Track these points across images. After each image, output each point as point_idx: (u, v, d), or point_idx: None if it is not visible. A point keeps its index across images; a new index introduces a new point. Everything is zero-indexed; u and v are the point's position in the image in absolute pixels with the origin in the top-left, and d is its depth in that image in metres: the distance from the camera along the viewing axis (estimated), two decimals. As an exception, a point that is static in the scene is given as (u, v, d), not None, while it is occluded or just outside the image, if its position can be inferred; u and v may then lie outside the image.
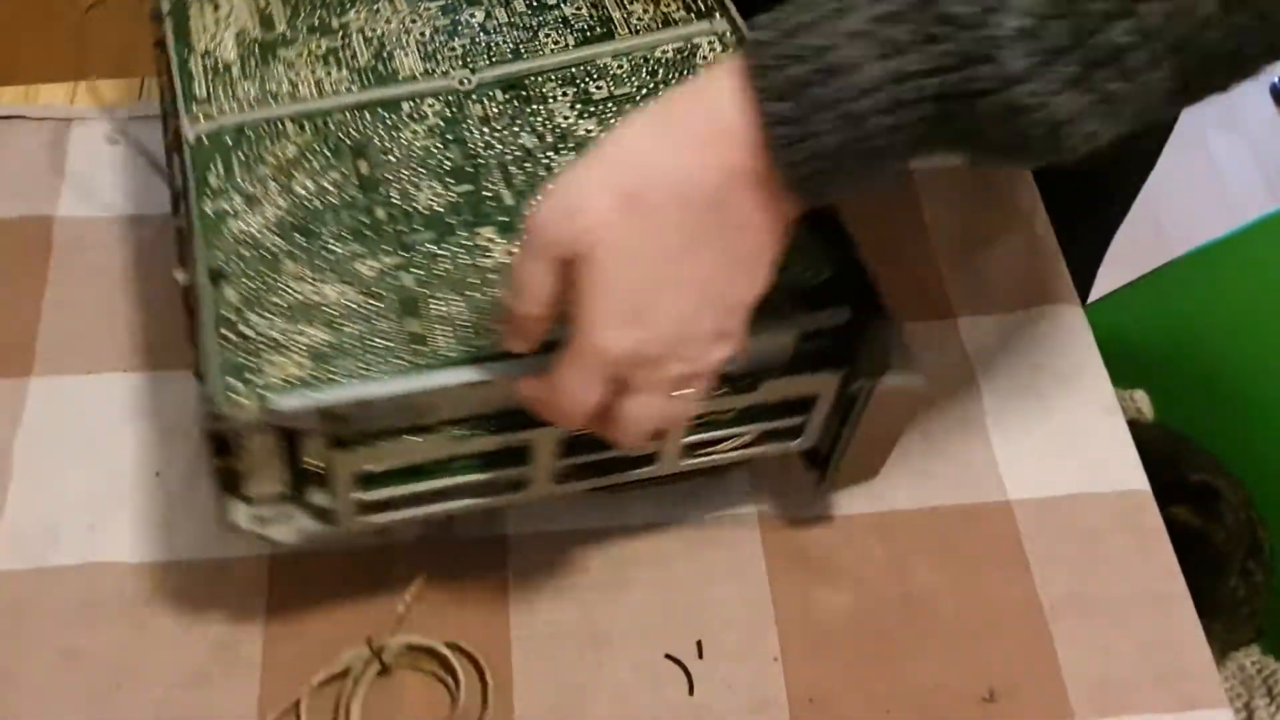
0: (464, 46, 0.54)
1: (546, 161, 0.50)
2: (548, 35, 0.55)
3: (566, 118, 0.52)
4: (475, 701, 0.52)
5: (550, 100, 0.52)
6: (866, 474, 0.54)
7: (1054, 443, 0.60)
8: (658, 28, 0.55)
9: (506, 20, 0.55)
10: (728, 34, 0.54)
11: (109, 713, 0.52)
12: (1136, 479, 0.59)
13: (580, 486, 0.49)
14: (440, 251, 0.48)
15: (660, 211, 0.37)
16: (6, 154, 0.68)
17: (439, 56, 0.54)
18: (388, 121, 0.51)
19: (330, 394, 0.43)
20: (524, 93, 0.53)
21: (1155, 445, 0.69)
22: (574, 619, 0.54)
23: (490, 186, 0.50)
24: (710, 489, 0.58)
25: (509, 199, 0.49)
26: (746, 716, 0.52)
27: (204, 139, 0.51)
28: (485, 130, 0.51)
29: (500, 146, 0.51)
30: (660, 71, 0.53)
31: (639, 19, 0.55)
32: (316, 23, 0.54)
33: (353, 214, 0.48)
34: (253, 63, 0.53)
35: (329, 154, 0.50)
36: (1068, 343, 0.63)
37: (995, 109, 0.34)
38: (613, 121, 0.51)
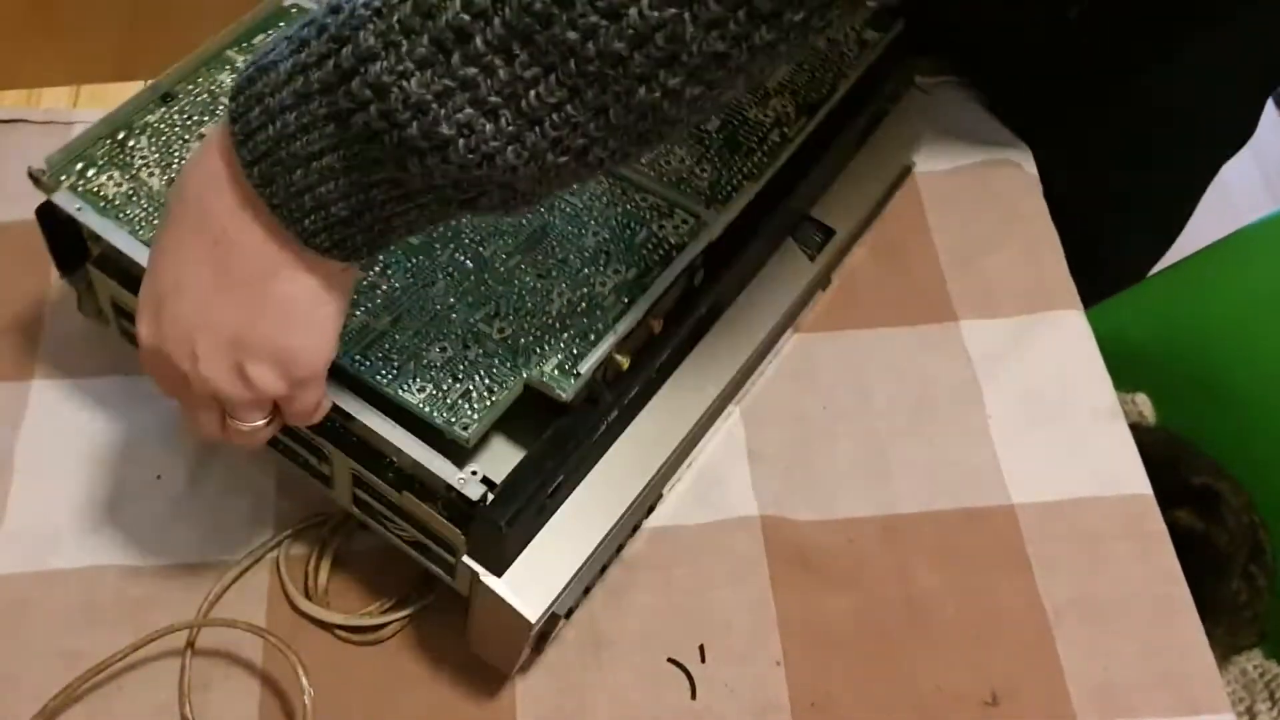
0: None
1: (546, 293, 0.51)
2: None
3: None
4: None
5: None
6: (497, 661, 0.52)
7: (1056, 446, 0.60)
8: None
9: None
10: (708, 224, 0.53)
11: (108, 715, 0.51)
12: (1138, 482, 0.59)
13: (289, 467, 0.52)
14: (440, 251, 0.50)
15: (171, 215, 0.40)
16: (10, 157, 0.68)
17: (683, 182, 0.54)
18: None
19: (97, 223, 0.49)
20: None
21: (1157, 448, 0.69)
22: (576, 623, 0.54)
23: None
24: (712, 493, 0.58)
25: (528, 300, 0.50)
26: (748, 720, 0.52)
27: (293, 10, 0.55)
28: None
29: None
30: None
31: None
32: None
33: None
34: None
35: None
36: (1070, 346, 0.63)
37: (363, 92, 0.34)
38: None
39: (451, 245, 0.50)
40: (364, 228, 0.38)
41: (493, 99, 0.33)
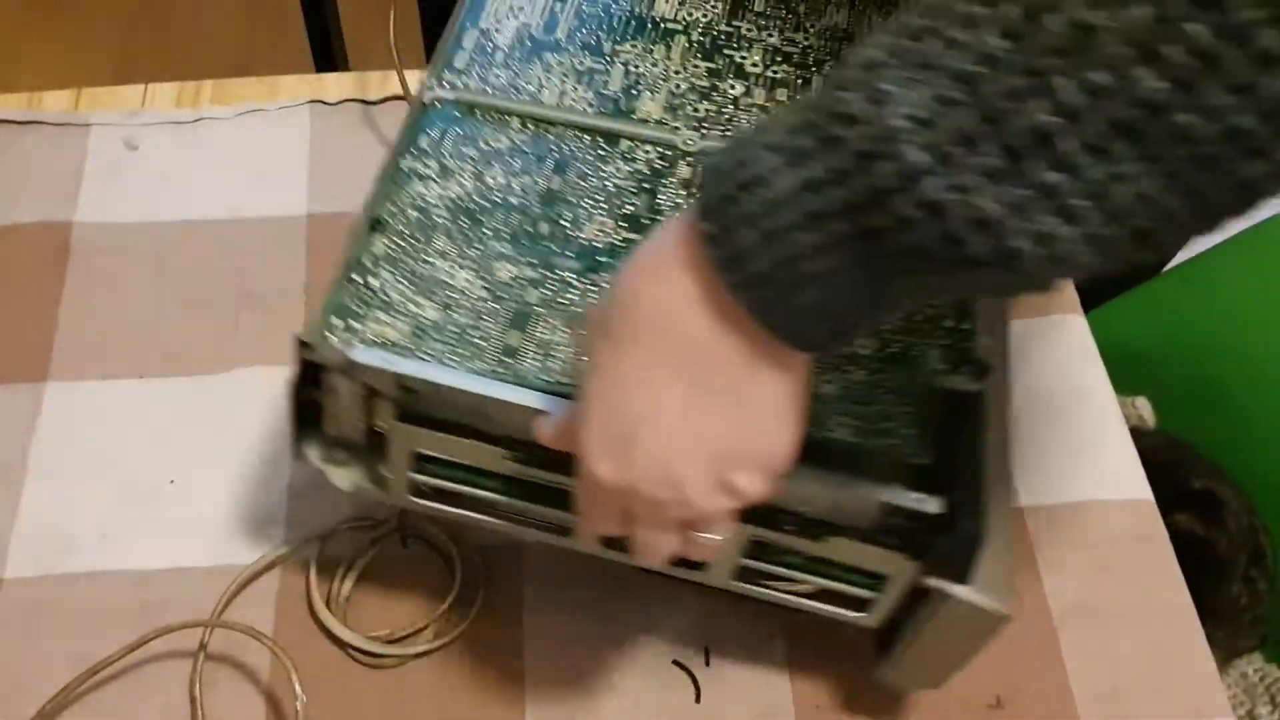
0: (708, 111, 0.54)
1: None
2: None
3: None
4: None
5: None
6: (928, 682, 0.50)
7: (1057, 450, 0.60)
8: None
9: (762, 103, 0.55)
10: None
11: (112, 716, 0.52)
12: (1139, 486, 0.60)
13: (615, 556, 0.47)
14: (577, 284, 0.48)
15: (624, 341, 0.37)
16: (24, 159, 0.69)
17: (680, 111, 0.54)
18: (601, 152, 0.52)
19: (404, 366, 0.44)
20: None
21: (1158, 452, 0.69)
22: (583, 624, 0.54)
23: None
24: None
25: None
26: (754, 723, 0.53)
27: (437, 104, 0.52)
28: (681, 195, 0.51)
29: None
30: None
31: None
32: (594, 41, 0.56)
33: (521, 219, 0.49)
34: (518, 54, 0.55)
35: (534, 159, 0.51)
36: (1071, 350, 0.64)
37: (909, 210, 0.30)
38: None
39: None
40: (861, 325, 0.35)
41: (1076, 201, 0.29)
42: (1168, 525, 0.58)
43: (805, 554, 0.46)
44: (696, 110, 0.54)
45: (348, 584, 0.55)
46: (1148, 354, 0.93)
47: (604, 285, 0.48)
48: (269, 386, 0.61)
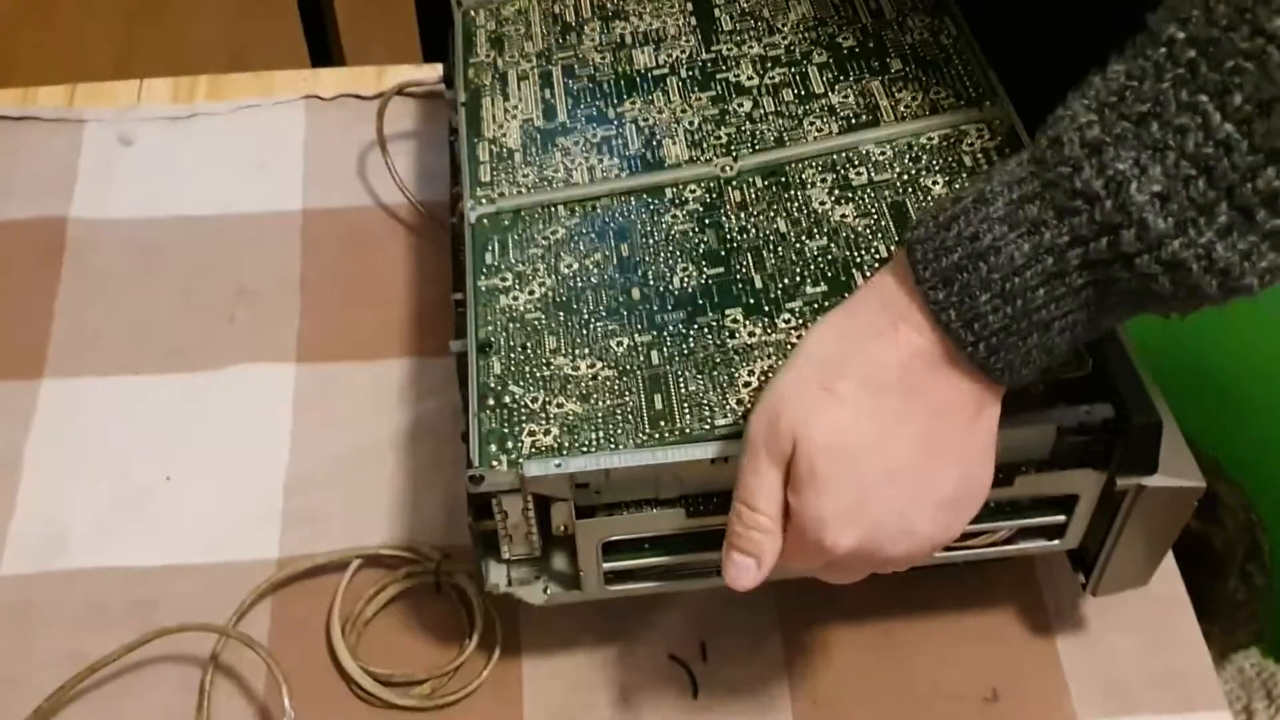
0: (729, 135, 0.55)
1: (799, 246, 0.50)
2: (812, 123, 0.55)
3: (823, 203, 0.52)
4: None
5: (808, 186, 0.53)
6: (1136, 580, 0.51)
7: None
8: (925, 115, 0.55)
9: (773, 109, 0.56)
10: (998, 122, 0.53)
11: (115, 717, 0.52)
12: (1137, 482, 0.60)
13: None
14: (689, 331, 0.49)
15: (855, 401, 0.39)
16: (20, 155, 0.69)
17: (704, 144, 0.55)
18: (651, 206, 0.53)
19: (576, 463, 0.44)
20: (783, 179, 0.53)
21: (1155, 448, 0.69)
22: (580, 621, 0.54)
23: (741, 269, 0.50)
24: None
25: (758, 282, 0.50)
26: (750, 718, 0.52)
27: (484, 220, 0.53)
28: (741, 215, 0.52)
29: (754, 230, 0.51)
30: (923, 158, 0.53)
31: (906, 107, 0.55)
32: (595, 113, 0.57)
33: (610, 293, 0.50)
34: (533, 149, 0.56)
35: (594, 236, 0.52)
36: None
37: (1153, 268, 0.36)
38: (871, 208, 0.51)
39: None
40: (1066, 355, 0.41)
41: None
42: (1164, 520, 0.58)
43: (994, 502, 0.46)
44: (719, 138, 0.55)
45: (371, 608, 0.55)
46: (1145, 350, 0.93)
47: (713, 323, 0.49)
48: (264, 382, 0.61)
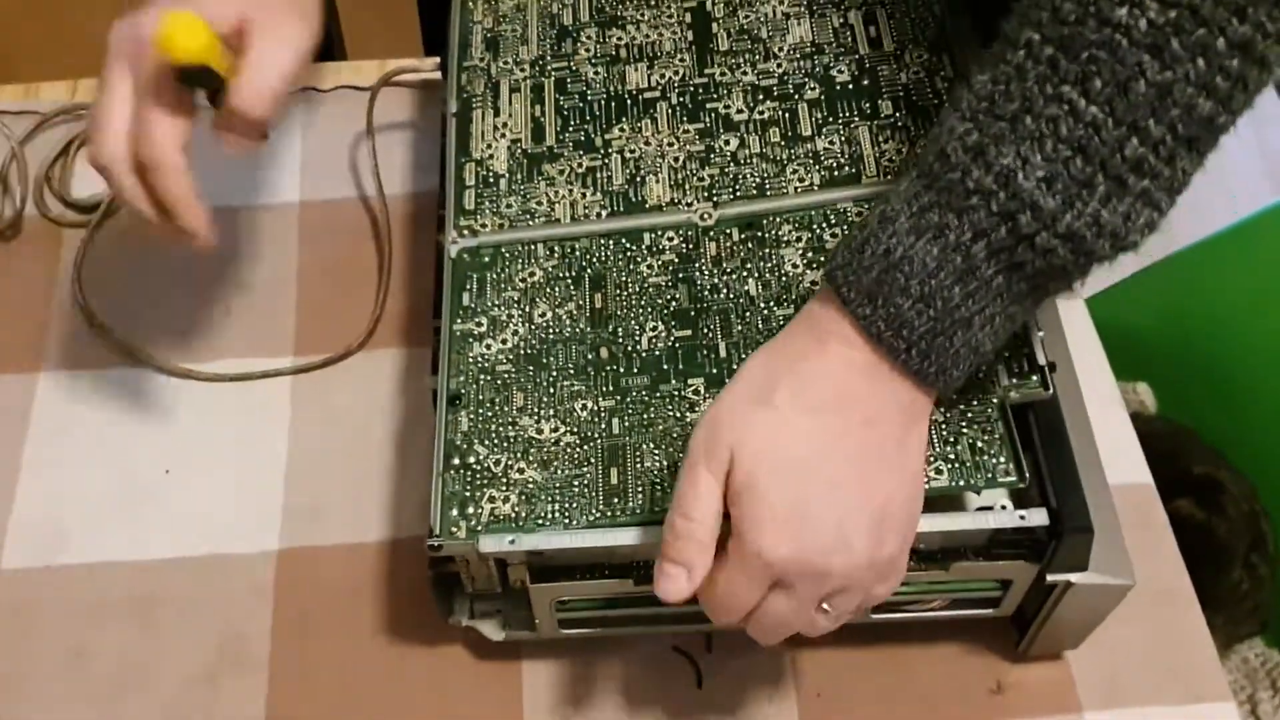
0: (712, 176, 0.55)
1: (766, 313, 0.50)
2: (794, 171, 0.55)
3: (795, 266, 0.52)
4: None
5: (783, 245, 0.52)
6: (1070, 645, 0.53)
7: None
8: (907, 172, 0.54)
9: (758, 151, 0.55)
10: None
11: (117, 712, 0.52)
12: (1140, 472, 0.59)
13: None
14: (651, 400, 0.49)
15: (791, 413, 0.41)
16: (19, 149, 0.68)
17: (687, 185, 0.54)
18: (628, 252, 0.53)
19: (530, 540, 0.46)
20: (759, 234, 0.53)
21: (1158, 438, 0.69)
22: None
23: (708, 333, 0.50)
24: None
25: (723, 350, 0.50)
26: (755, 710, 0.52)
27: (465, 255, 0.53)
28: (715, 271, 0.52)
29: (725, 291, 0.51)
30: None
31: (889, 160, 0.54)
32: (583, 137, 0.56)
33: (580, 349, 0.50)
34: (520, 176, 0.56)
35: (570, 282, 0.52)
36: (1070, 336, 0.63)
37: (1052, 242, 0.39)
38: None
39: None
40: (987, 358, 0.43)
41: (1160, 195, 0.40)
42: (1168, 511, 0.58)
43: (927, 587, 0.49)
44: (701, 179, 0.55)
45: (368, 598, 0.55)
46: (1148, 339, 0.92)
47: (675, 393, 0.49)
48: (262, 374, 0.61)
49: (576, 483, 0.47)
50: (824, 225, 0.53)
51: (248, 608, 0.54)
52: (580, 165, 0.56)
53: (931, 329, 0.41)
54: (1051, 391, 0.47)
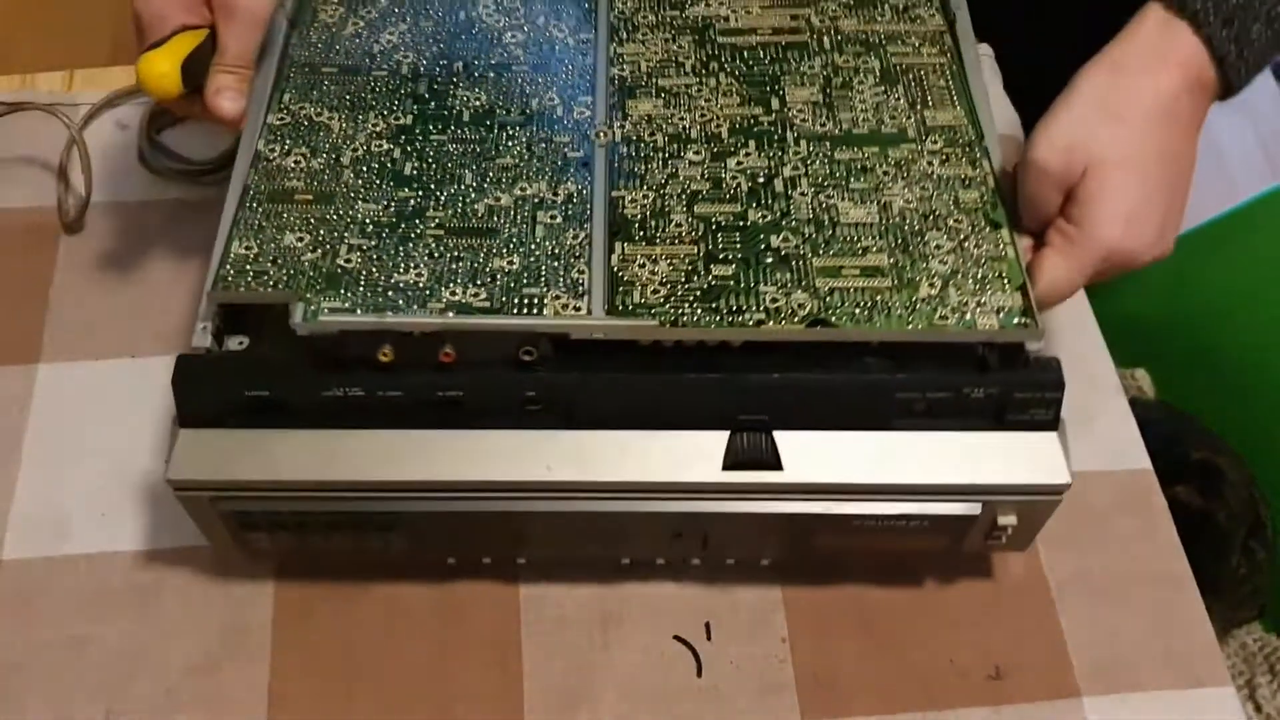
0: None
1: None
2: None
3: None
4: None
5: None
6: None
7: (1057, 422, 0.60)
8: None
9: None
10: None
11: (119, 701, 0.52)
12: (1139, 458, 0.59)
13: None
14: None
15: (1140, 126, 0.49)
16: (14, 141, 0.68)
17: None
18: None
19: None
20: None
21: (1157, 424, 0.69)
22: (583, 600, 0.54)
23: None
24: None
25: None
26: (754, 697, 0.53)
27: None
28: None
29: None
30: None
31: None
32: None
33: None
34: None
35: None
36: (1068, 322, 0.64)
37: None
38: None
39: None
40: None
41: None
42: (1167, 497, 0.58)
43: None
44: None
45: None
46: (1147, 325, 0.93)
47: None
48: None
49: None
50: None
51: (249, 596, 0.54)
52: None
53: (1263, 55, 0.49)
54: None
